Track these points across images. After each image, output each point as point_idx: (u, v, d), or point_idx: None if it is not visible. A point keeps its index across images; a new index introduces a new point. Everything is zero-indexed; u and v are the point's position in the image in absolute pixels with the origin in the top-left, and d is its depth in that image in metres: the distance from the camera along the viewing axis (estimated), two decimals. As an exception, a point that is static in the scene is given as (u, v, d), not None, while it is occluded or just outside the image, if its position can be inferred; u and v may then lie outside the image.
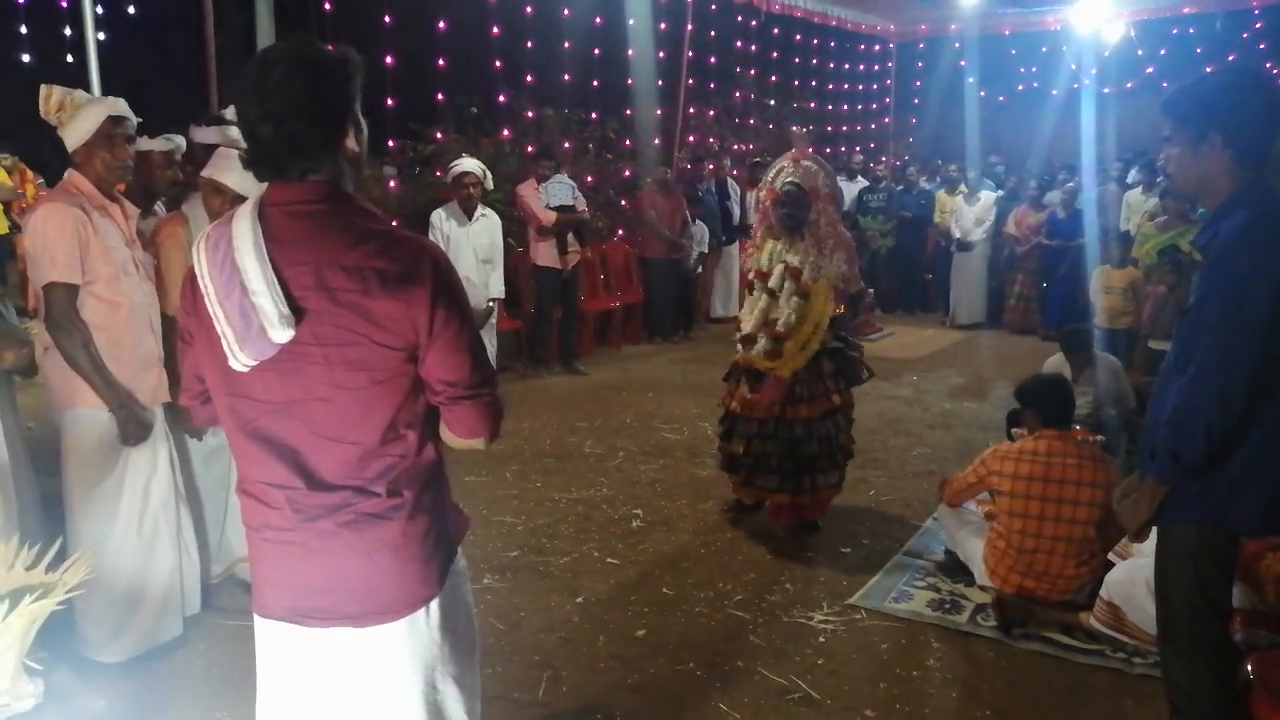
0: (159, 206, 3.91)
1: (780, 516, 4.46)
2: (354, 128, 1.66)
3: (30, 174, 10.24)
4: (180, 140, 3.86)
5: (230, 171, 3.38)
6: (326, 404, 1.61)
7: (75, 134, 3.01)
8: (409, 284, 1.58)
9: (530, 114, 9.28)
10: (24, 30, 9.25)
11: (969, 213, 10.10)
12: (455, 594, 1.80)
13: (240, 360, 1.58)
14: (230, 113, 4.03)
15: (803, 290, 4.15)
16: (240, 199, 3.48)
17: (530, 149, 8.79)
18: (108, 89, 3.16)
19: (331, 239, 1.59)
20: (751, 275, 4.39)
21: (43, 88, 3.04)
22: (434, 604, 1.73)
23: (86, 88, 5.05)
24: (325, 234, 1.60)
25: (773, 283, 4.22)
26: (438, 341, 1.61)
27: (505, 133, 9.03)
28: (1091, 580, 3.62)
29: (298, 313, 1.56)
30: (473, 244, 6.09)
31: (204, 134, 3.87)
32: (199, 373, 1.74)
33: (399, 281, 1.57)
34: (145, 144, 3.65)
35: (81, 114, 3.01)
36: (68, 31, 8.03)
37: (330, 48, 1.62)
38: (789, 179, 4.24)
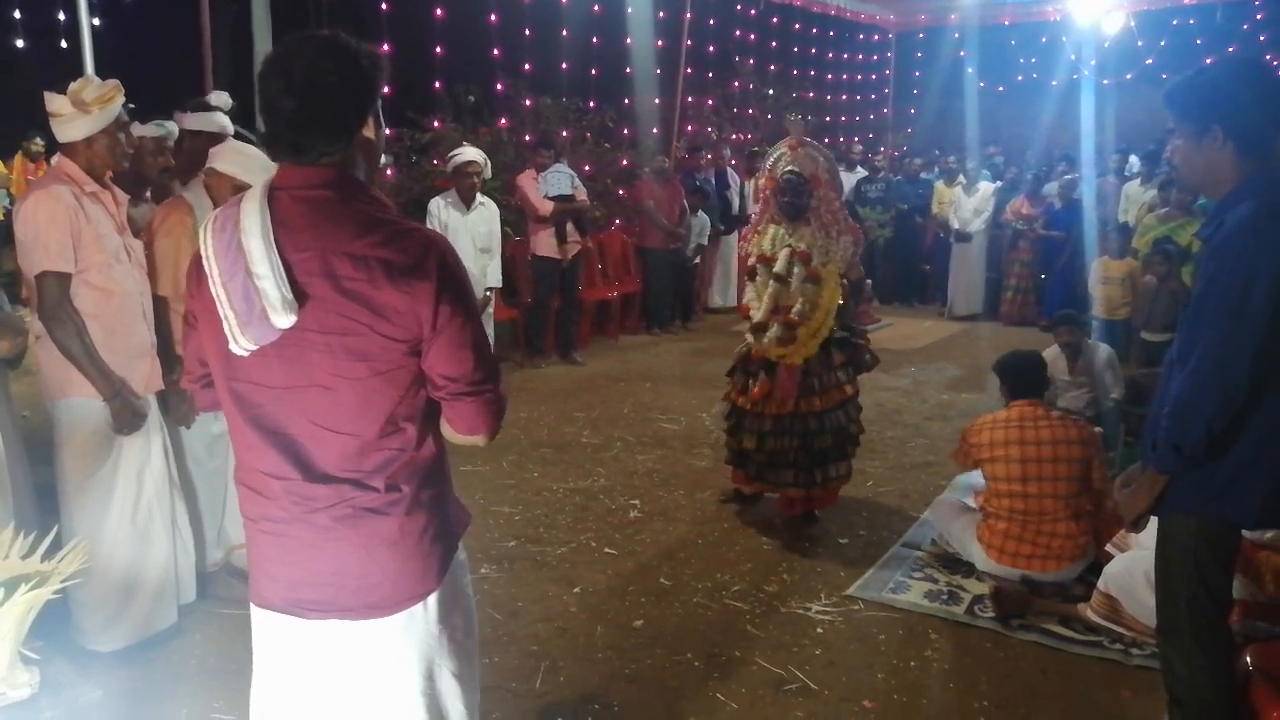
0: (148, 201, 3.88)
1: (792, 509, 4.44)
2: (374, 120, 1.66)
3: (46, 164, 10.26)
4: (172, 126, 3.84)
5: (253, 172, 3.33)
6: (327, 392, 1.59)
7: (95, 123, 2.96)
8: (414, 277, 1.56)
9: (528, 102, 9.24)
10: (18, 15, 9.19)
11: (967, 203, 10.08)
12: (455, 587, 1.79)
13: (241, 344, 1.57)
14: (214, 98, 3.99)
15: (813, 275, 4.12)
16: None
17: (528, 138, 8.75)
18: (102, 75, 3.12)
19: (338, 226, 1.58)
20: (753, 261, 4.33)
21: (85, 77, 3.00)
22: (432, 598, 1.72)
23: (81, 73, 5.01)
24: (332, 221, 1.58)
25: (779, 268, 4.17)
26: (441, 336, 1.59)
27: (503, 121, 9.00)
28: (1086, 544, 3.69)
29: (301, 298, 1.55)
30: (471, 233, 6.07)
31: (191, 120, 3.84)
32: (202, 356, 1.72)
33: (404, 274, 1.56)
34: (136, 130, 3.61)
35: (111, 106, 2.98)
36: (62, 17, 7.98)
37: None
38: (788, 167, 4.20)
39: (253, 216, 1.56)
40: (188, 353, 1.78)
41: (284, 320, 1.54)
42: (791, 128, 4.72)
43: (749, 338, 4.27)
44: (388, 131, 1.80)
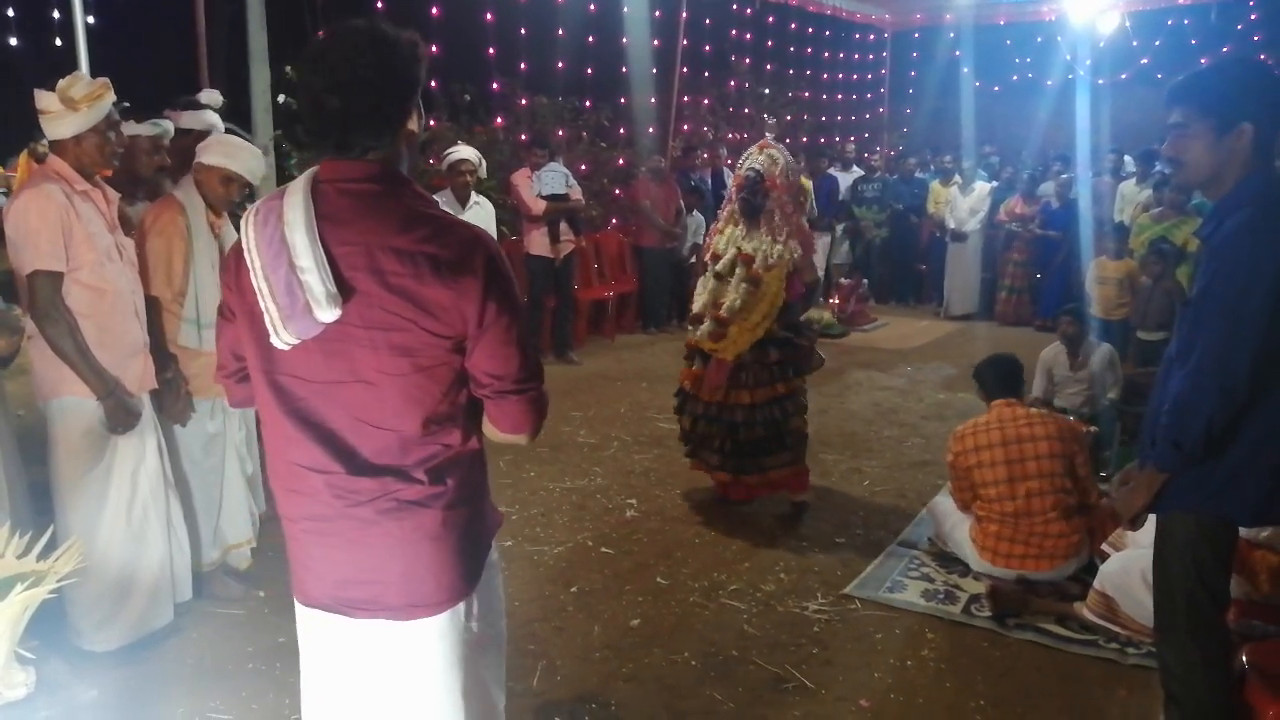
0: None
1: (728, 493, 4.62)
2: (416, 111, 1.64)
3: None
4: (168, 125, 3.83)
5: (239, 160, 3.35)
6: (369, 387, 1.58)
7: (84, 121, 2.96)
8: (461, 273, 1.55)
9: (524, 101, 9.23)
10: (11, 13, 9.16)
11: (963, 203, 10.09)
12: (490, 586, 1.79)
13: (282, 338, 1.55)
14: (205, 96, 3.99)
15: (752, 277, 4.22)
16: (246, 186, 3.46)
17: (523, 137, 8.74)
18: (96, 73, 3.12)
19: (384, 220, 1.56)
20: (707, 257, 4.49)
21: (74, 74, 3.00)
22: (473, 598, 1.72)
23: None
24: (378, 215, 1.57)
25: (721, 267, 4.31)
26: (487, 335, 1.58)
27: (498, 120, 8.99)
28: (1079, 542, 3.70)
29: (346, 292, 1.53)
30: (467, 232, 6.05)
31: (181, 119, 3.83)
32: (237, 350, 1.71)
33: (452, 270, 1.54)
34: (132, 128, 3.61)
35: (100, 103, 2.97)
36: (56, 15, 7.95)
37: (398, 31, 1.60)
38: (750, 166, 4.32)
39: (296, 210, 1.55)
40: (221, 346, 1.76)
41: (327, 314, 1.52)
42: (767, 129, 4.80)
43: (689, 328, 4.45)
44: None
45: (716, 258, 4.38)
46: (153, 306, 3.32)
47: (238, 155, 3.37)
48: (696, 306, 4.40)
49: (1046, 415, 3.94)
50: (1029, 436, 3.75)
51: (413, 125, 1.64)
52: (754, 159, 4.34)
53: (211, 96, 3.99)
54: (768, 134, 4.60)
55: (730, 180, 9.72)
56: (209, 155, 3.37)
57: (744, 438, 4.28)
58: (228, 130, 3.99)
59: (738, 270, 4.26)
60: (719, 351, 4.26)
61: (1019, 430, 3.78)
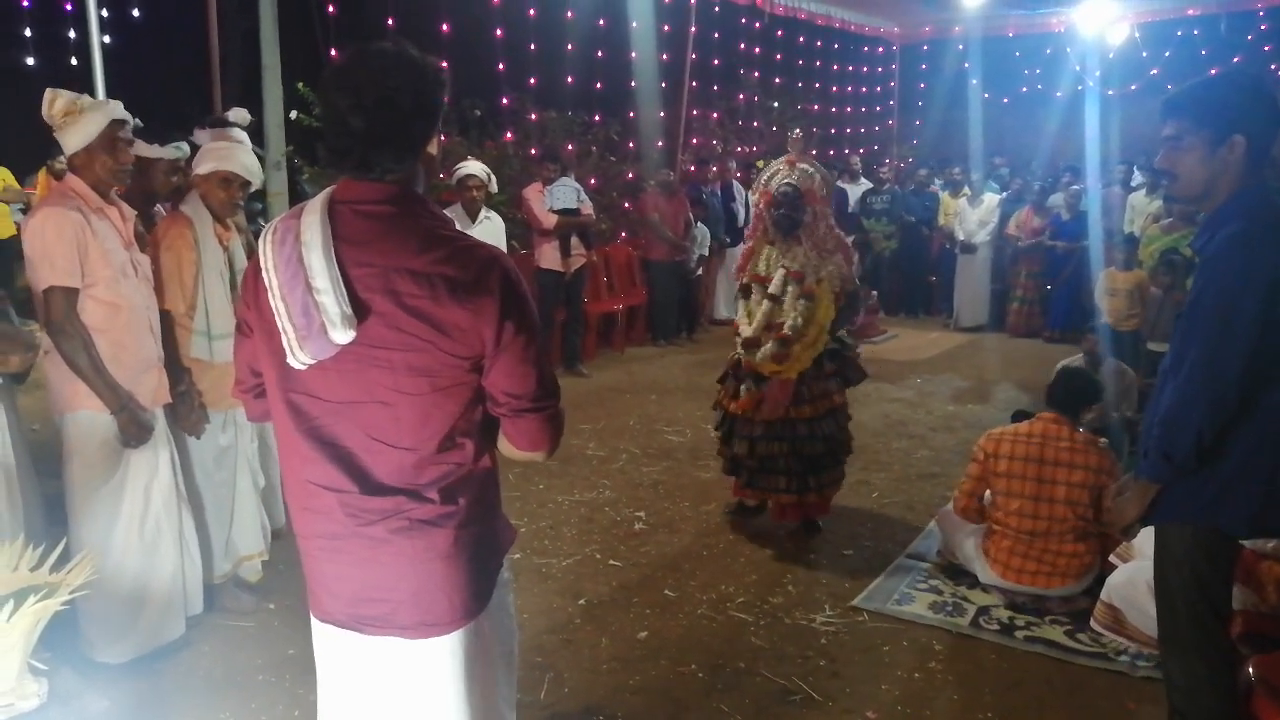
0: (160, 208, 3.92)
1: (785, 516, 4.48)
2: (435, 134, 1.66)
3: None
4: (188, 148, 3.88)
5: (232, 159, 3.40)
6: (386, 408, 1.59)
7: (78, 138, 3.02)
8: (477, 294, 1.55)
9: (533, 116, 9.30)
10: (28, 34, 9.28)
11: (972, 215, 10.09)
12: (502, 605, 1.80)
13: (299, 358, 1.57)
14: (233, 114, 4.04)
15: (807, 293, 4.17)
16: (247, 185, 3.50)
17: (533, 151, 8.80)
18: (111, 93, 3.18)
19: (401, 242, 1.57)
20: (746, 279, 4.40)
21: (48, 92, 3.06)
22: (484, 617, 1.73)
23: (91, 92, 5.06)
24: (395, 236, 1.57)
25: (773, 288, 4.22)
26: (505, 354, 1.59)
27: (508, 135, 9.06)
28: (1092, 562, 3.68)
29: (362, 314, 1.54)
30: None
31: (203, 136, 3.88)
32: (254, 366, 1.72)
33: (468, 290, 1.55)
34: (155, 151, 3.67)
35: (85, 118, 3.02)
36: (72, 35, 8.05)
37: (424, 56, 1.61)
38: (785, 181, 4.25)
39: (314, 230, 1.56)
40: (239, 362, 1.77)
41: (342, 336, 1.53)
42: (791, 144, 4.74)
43: (740, 352, 4.32)
44: None
45: (758, 279, 4.30)
46: (167, 321, 3.36)
47: (229, 155, 3.43)
48: (748, 331, 4.26)
49: (1092, 446, 3.73)
50: (1067, 463, 3.65)
51: (432, 148, 1.65)
52: (784, 174, 4.26)
53: (240, 115, 4.03)
54: (791, 149, 4.54)
55: (748, 195, 9.89)
56: (203, 165, 3.43)
57: (808, 451, 4.22)
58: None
59: (790, 288, 4.18)
60: (783, 372, 4.19)
61: (1059, 454, 3.66)
